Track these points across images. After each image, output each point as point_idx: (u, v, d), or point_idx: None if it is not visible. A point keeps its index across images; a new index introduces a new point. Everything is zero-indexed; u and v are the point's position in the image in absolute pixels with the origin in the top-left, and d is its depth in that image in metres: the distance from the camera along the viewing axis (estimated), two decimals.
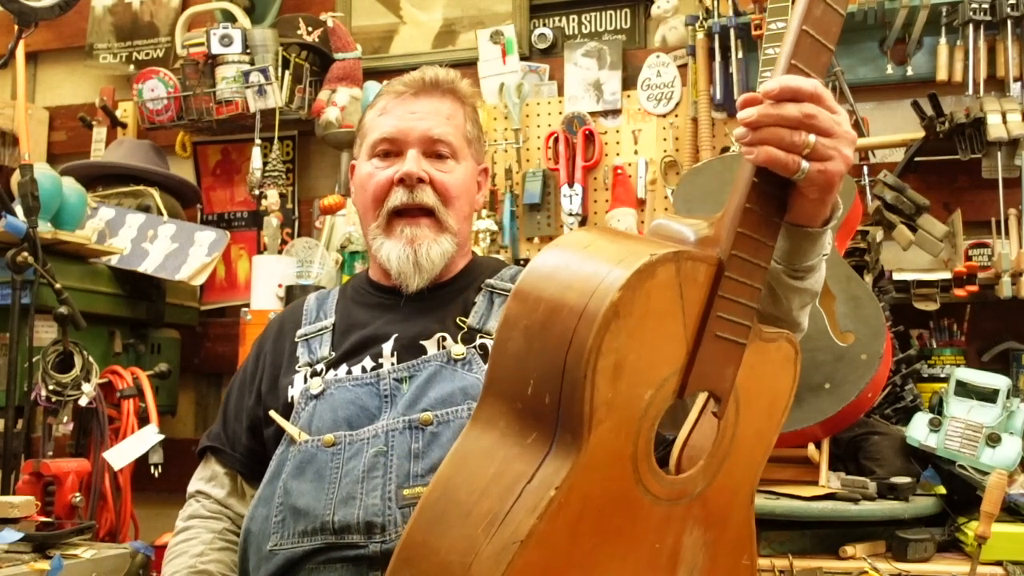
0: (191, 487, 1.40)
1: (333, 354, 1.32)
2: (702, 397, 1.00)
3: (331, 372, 1.30)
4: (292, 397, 1.30)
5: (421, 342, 1.29)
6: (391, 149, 1.33)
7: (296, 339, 1.37)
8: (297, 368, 1.33)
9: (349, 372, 1.29)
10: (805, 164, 0.90)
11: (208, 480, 1.39)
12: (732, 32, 2.26)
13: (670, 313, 0.87)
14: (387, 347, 1.29)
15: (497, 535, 0.82)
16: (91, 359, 2.10)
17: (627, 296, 0.83)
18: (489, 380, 0.94)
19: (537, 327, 0.87)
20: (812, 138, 0.90)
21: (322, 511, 1.17)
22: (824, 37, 0.93)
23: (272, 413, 1.30)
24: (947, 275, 2.06)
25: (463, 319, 1.31)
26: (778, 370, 0.99)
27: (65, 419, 2.07)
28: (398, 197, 1.30)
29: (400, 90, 1.34)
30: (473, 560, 0.82)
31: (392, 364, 1.28)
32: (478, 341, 1.28)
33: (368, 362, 1.29)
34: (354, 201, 1.45)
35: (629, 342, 0.84)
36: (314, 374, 1.30)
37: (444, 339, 1.29)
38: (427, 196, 1.30)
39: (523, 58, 2.58)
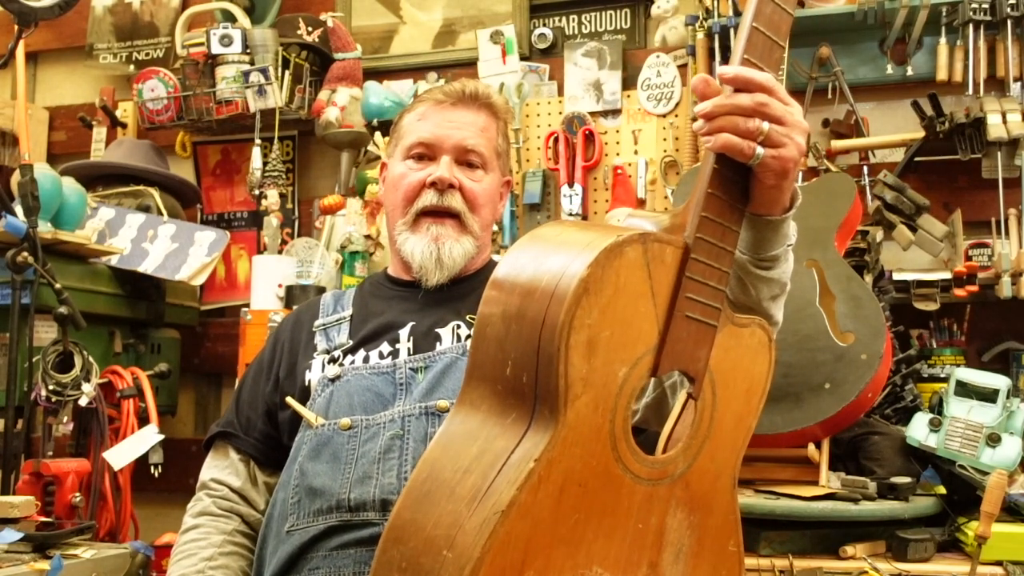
0: (203, 476, 1.40)
1: (350, 341, 1.36)
2: (683, 394, 1.02)
3: (348, 358, 1.34)
4: (309, 382, 1.34)
5: (436, 330, 1.34)
6: (426, 153, 1.39)
7: (314, 328, 1.42)
8: (315, 355, 1.37)
9: (366, 359, 1.33)
10: (760, 150, 0.95)
11: (223, 468, 1.39)
12: (732, 32, 2.26)
13: (640, 292, 0.90)
14: (403, 333, 1.35)
15: (479, 507, 0.85)
16: (91, 359, 2.10)
17: (596, 273, 0.86)
18: (471, 365, 0.97)
19: (513, 311, 0.91)
20: (765, 125, 0.95)
21: (338, 490, 1.20)
22: (775, 34, 0.98)
23: (289, 399, 1.34)
24: (947, 275, 2.06)
25: (473, 316, 1.34)
26: (753, 355, 1.02)
27: (65, 419, 2.07)
28: (428, 198, 1.36)
29: (440, 99, 1.41)
30: (457, 532, 0.85)
31: (408, 350, 1.32)
32: None
33: (385, 347, 1.34)
34: (382, 198, 1.52)
35: (601, 319, 0.87)
36: (332, 360, 1.35)
37: (459, 327, 1.34)
38: (455, 201, 1.37)
39: (523, 58, 2.58)
